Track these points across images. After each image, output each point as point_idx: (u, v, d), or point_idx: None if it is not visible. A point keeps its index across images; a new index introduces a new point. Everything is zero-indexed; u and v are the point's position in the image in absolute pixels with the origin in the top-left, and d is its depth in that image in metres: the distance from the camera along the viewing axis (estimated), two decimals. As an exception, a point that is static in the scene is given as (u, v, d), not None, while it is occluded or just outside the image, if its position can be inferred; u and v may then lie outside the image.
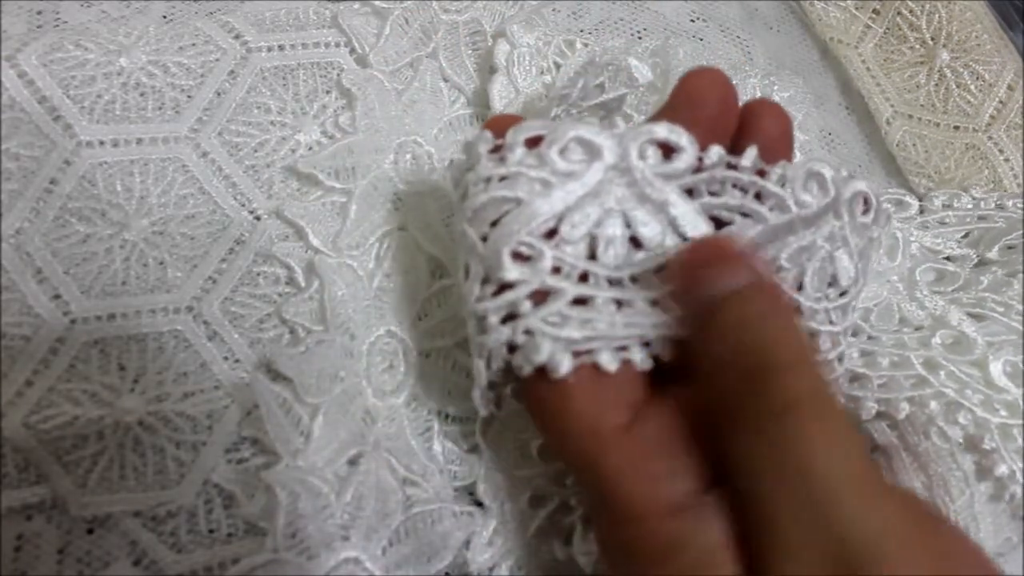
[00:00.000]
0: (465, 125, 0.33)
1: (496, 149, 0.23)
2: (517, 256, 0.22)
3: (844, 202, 0.24)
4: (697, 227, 0.22)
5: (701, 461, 0.21)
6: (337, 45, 0.32)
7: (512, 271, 0.21)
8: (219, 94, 0.29)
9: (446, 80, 0.33)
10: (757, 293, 0.21)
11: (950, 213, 0.37)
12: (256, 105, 0.30)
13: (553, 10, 0.36)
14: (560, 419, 0.22)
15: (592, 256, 0.22)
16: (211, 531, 0.26)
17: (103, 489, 0.25)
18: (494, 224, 0.22)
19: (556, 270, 0.22)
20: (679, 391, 0.22)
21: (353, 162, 0.30)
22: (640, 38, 0.38)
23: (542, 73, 0.33)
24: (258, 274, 0.29)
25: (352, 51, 0.32)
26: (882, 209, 0.26)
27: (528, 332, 0.21)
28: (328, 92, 0.31)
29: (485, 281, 0.22)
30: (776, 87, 0.38)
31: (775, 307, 0.21)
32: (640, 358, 0.22)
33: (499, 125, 0.23)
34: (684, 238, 0.22)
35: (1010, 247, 0.34)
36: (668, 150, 0.23)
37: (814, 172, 0.24)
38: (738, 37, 0.41)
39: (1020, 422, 0.28)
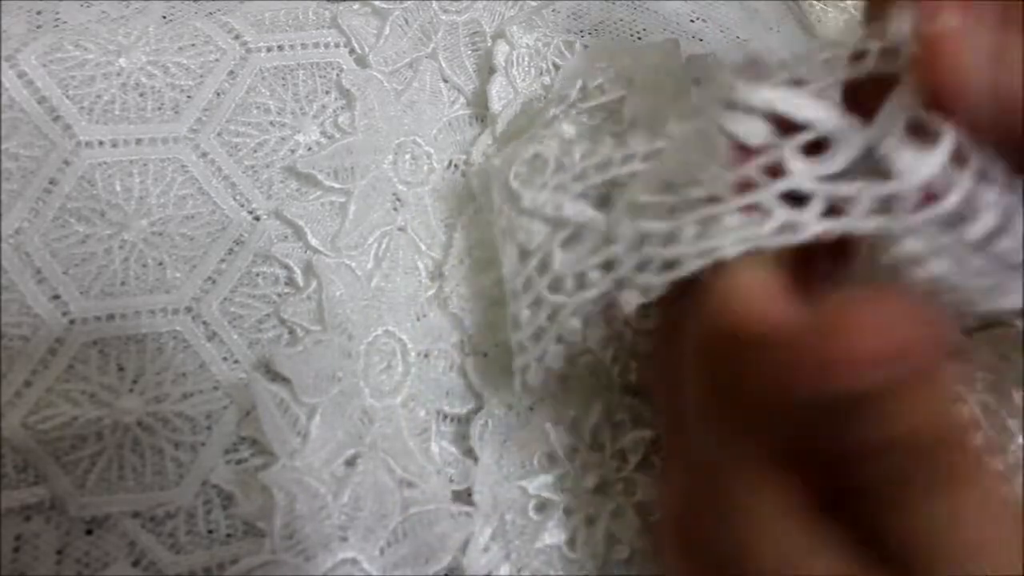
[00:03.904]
0: (464, 125, 0.33)
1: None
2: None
3: None
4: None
5: None
6: (337, 45, 0.32)
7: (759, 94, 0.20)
8: (218, 94, 0.29)
9: (445, 80, 0.33)
10: (931, 381, 0.17)
11: None
12: (255, 105, 0.30)
13: (553, 11, 0.36)
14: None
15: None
16: (210, 532, 0.26)
17: (102, 490, 0.25)
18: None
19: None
20: None
21: (352, 162, 0.30)
22: (640, 39, 0.38)
23: (541, 74, 0.33)
24: (257, 274, 0.29)
25: (352, 51, 0.32)
26: None
27: (761, 207, 0.20)
28: (328, 92, 0.31)
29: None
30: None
31: (945, 389, 0.18)
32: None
33: None
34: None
35: None
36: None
37: None
38: (738, 38, 0.41)
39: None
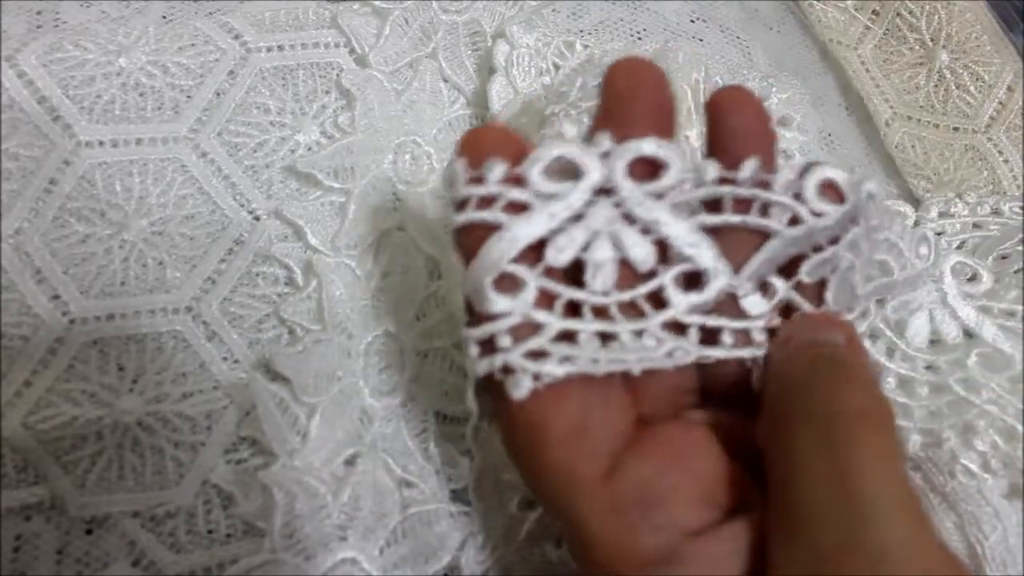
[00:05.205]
0: (464, 125, 0.33)
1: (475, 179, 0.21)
2: (503, 281, 0.21)
3: (861, 207, 0.23)
4: (695, 245, 0.22)
5: (691, 502, 0.21)
6: (337, 45, 0.32)
7: (496, 303, 0.20)
8: (218, 94, 0.29)
9: (445, 80, 0.33)
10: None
11: (946, 222, 0.36)
12: (255, 105, 0.30)
13: (553, 11, 0.36)
14: (536, 465, 0.21)
15: (578, 281, 0.21)
16: (210, 531, 0.26)
17: (102, 489, 0.25)
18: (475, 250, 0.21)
19: (542, 295, 0.21)
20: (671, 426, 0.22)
21: (352, 162, 0.30)
22: (640, 39, 0.38)
23: (541, 74, 0.33)
24: (257, 274, 0.29)
25: (352, 51, 0.32)
26: (890, 210, 0.26)
27: (507, 368, 0.20)
28: (327, 92, 0.31)
29: (468, 307, 0.22)
30: (774, 88, 0.38)
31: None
32: None
33: (481, 141, 0.22)
34: (682, 258, 0.22)
35: (1003, 257, 0.34)
36: (655, 166, 0.21)
37: (828, 179, 0.23)
38: (738, 38, 0.41)
39: None
